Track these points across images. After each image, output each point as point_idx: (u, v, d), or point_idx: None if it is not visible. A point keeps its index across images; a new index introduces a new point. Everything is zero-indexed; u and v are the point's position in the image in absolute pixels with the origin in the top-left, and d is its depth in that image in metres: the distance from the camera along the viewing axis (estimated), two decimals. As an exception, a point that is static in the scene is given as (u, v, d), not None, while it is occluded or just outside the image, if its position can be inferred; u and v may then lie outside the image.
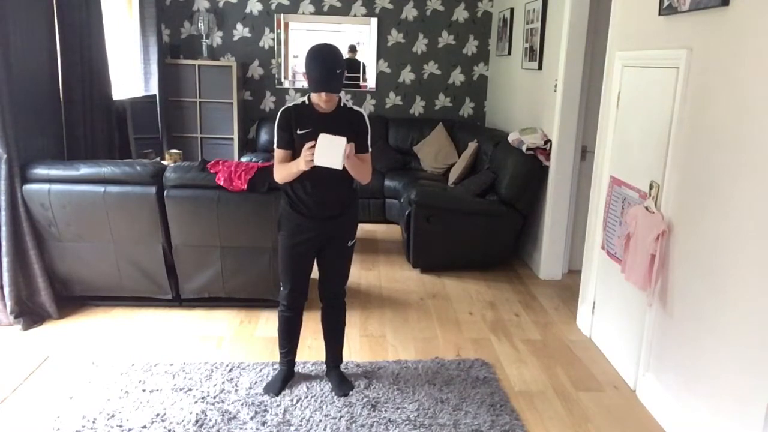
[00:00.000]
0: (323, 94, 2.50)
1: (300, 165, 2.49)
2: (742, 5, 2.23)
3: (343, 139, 2.41)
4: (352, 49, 6.48)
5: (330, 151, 2.40)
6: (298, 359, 3.01)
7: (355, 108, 2.67)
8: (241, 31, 6.35)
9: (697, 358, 2.48)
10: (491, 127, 6.20)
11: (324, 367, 3.02)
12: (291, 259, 2.72)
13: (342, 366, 3.00)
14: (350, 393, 2.85)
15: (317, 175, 2.52)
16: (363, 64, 6.52)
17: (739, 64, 2.24)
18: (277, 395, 2.81)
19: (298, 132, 2.57)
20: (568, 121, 4.26)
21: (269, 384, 2.88)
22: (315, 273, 2.83)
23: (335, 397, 2.82)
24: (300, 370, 3.02)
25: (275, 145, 2.63)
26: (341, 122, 2.59)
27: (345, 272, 2.86)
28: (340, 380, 2.91)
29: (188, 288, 3.65)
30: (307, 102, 2.60)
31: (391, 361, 3.17)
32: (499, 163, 4.79)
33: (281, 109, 2.62)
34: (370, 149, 2.69)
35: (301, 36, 6.46)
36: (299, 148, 2.56)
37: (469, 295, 4.16)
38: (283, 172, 2.59)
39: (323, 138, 2.41)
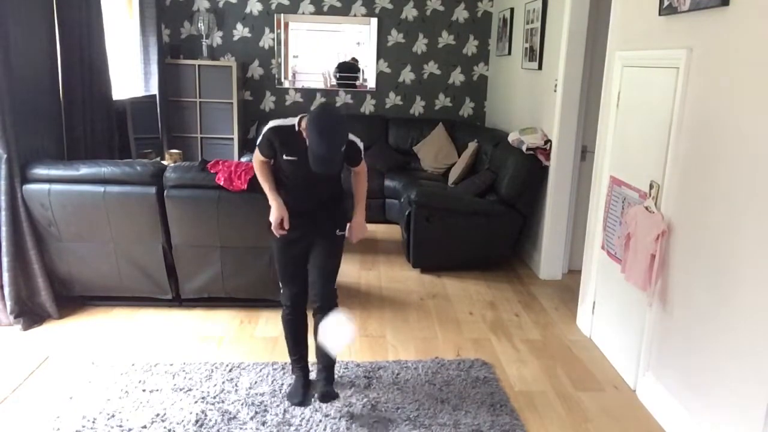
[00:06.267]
0: None
1: (273, 209, 2.61)
2: (742, 5, 2.23)
3: (345, 325, 2.59)
4: (353, 61, 6.52)
5: (339, 336, 2.61)
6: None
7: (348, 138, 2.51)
8: (241, 31, 6.35)
9: (697, 358, 2.48)
10: (491, 127, 6.19)
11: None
12: (285, 258, 2.71)
13: (342, 366, 2.99)
14: (331, 402, 2.75)
15: (301, 182, 2.59)
16: (363, 70, 6.54)
17: (739, 64, 2.24)
18: (304, 403, 2.73)
19: (285, 157, 2.55)
20: (568, 121, 4.26)
21: (291, 392, 2.80)
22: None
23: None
24: (300, 370, 3.02)
25: (257, 148, 2.63)
26: None
27: (334, 267, 2.73)
28: (327, 386, 2.80)
29: (188, 288, 3.65)
30: (297, 128, 2.52)
31: (391, 361, 3.17)
32: (499, 163, 4.79)
33: (270, 127, 2.55)
34: (363, 160, 2.70)
35: (301, 36, 6.47)
36: (287, 170, 2.60)
37: (469, 295, 4.16)
38: (260, 180, 2.68)
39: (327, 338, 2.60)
